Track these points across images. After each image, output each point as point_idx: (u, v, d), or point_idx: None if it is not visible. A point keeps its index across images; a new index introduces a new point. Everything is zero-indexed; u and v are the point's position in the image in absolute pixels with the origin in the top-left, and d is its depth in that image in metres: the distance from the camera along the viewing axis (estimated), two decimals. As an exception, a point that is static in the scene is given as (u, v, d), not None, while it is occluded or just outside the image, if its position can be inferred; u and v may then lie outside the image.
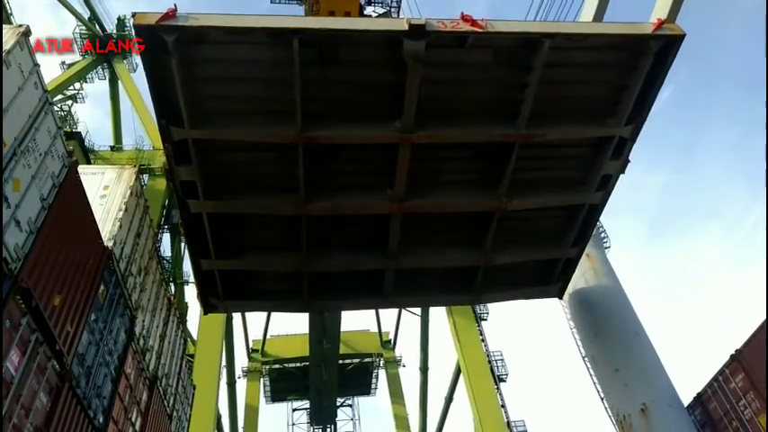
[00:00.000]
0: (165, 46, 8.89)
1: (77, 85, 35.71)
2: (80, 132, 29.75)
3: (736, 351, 15.66)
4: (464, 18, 9.48)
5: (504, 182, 11.88)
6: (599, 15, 15.34)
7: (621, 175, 12.64)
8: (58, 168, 8.13)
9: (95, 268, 9.43)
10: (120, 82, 36.47)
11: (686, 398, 16.90)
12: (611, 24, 10.33)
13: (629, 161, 12.29)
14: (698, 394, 17.52)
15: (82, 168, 9.90)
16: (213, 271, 13.41)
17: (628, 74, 10.75)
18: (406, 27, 9.23)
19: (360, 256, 13.50)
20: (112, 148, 33.74)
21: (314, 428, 44.52)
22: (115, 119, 37.66)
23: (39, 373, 7.27)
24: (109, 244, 10.21)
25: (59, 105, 32.97)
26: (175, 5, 8.85)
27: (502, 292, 15.68)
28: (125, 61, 36.58)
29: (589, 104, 11.36)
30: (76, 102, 35.99)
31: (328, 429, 44.40)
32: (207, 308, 14.59)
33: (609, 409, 15.52)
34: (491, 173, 12.06)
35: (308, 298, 14.28)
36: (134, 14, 8.84)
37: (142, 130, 32.97)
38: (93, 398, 9.11)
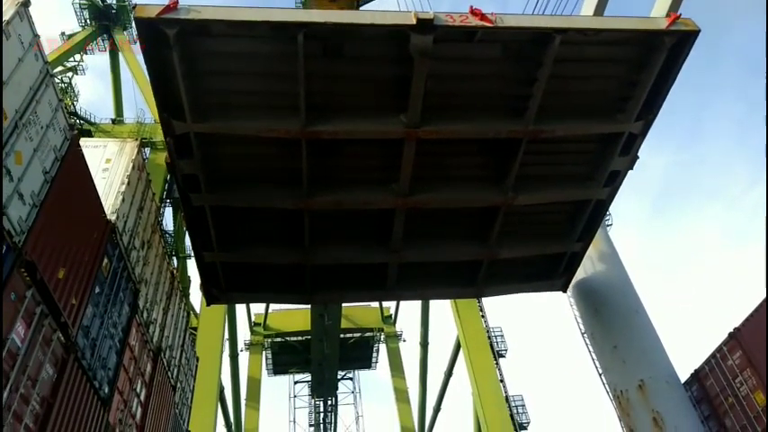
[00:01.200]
0: (166, 39, 8.74)
1: (77, 57, 35.35)
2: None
3: (735, 329, 15.79)
4: (473, 12, 9.26)
5: (511, 177, 11.72)
6: (600, 9, 14.89)
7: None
8: (59, 141, 8.10)
9: (99, 242, 9.47)
10: (120, 54, 36.12)
11: (684, 375, 17.14)
12: (625, 19, 10.01)
13: (638, 157, 12.08)
14: (695, 371, 17.72)
15: (84, 141, 9.87)
16: (215, 263, 13.40)
17: (639, 69, 10.52)
18: (414, 21, 8.99)
19: (362, 250, 13.44)
20: (114, 121, 33.60)
21: (315, 400, 45.19)
22: (116, 91, 37.39)
23: (44, 344, 7.36)
24: (112, 218, 10.24)
25: (59, 77, 32.72)
26: None
27: (505, 286, 15.61)
28: (125, 32, 36.17)
29: (599, 100, 11.15)
30: (77, 74, 35.69)
31: (329, 401, 45.06)
32: (209, 299, 14.59)
33: (607, 385, 15.72)
34: (497, 168, 11.90)
35: (310, 290, 14.28)
36: (134, 6, 8.71)
37: (143, 103, 32.79)
38: (98, 369, 9.24)
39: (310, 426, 45.32)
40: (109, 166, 11.29)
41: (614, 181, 12.57)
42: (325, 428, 45.34)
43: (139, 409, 11.49)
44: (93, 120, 32.30)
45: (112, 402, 9.79)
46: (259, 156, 11.30)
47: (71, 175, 8.38)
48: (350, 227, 12.96)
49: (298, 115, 9.94)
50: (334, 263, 13.82)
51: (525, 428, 29.59)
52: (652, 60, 10.28)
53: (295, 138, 10.38)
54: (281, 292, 15.22)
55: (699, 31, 9.86)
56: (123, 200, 10.89)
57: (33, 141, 7.35)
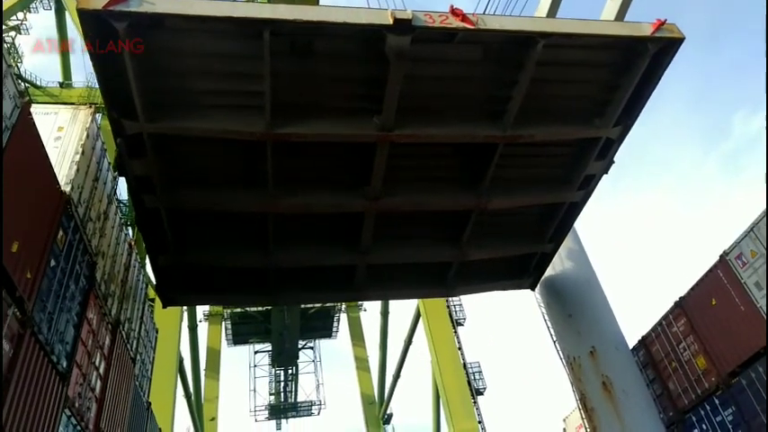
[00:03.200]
0: (114, 34, 7.87)
1: (20, 15, 33.40)
2: None
3: (680, 298, 16.66)
4: (454, 12, 8.79)
5: (485, 180, 11.41)
6: (555, 6, 14.65)
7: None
8: (9, 109, 7.70)
9: (53, 214, 9.16)
10: (67, 12, 34.27)
11: (633, 342, 18.01)
12: (609, 23, 9.91)
13: (613, 162, 12.00)
14: (642, 337, 18.69)
15: (34, 108, 9.42)
16: (171, 265, 12.65)
17: (621, 74, 10.30)
18: (391, 21, 8.44)
19: (329, 252, 12.91)
20: (61, 85, 32.09)
21: (276, 370, 45.46)
22: (63, 53, 35.59)
23: (-1, 320, 7.15)
24: (66, 189, 9.88)
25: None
26: None
27: (474, 285, 15.39)
28: (72, -11, 34.30)
29: (578, 104, 10.90)
30: (20, 33, 33.77)
31: (290, 370, 45.43)
32: (165, 301, 13.94)
33: (560, 352, 16.37)
34: (471, 170, 11.55)
35: (273, 291, 13.78)
36: None
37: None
38: (55, 343, 9.04)
39: (270, 394, 45.69)
40: (61, 135, 10.83)
41: (589, 184, 12.44)
42: (285, 397, 45.81)
43: (99, 383, 11.34)
44: (39, 83, 30.78)
45: (71, 376, 9.62)
46: (219, 156, 10.52)
47: (23, 145, 8.01)
48: (316, 228, 12.42)
49: (262, 116, 9.28)
50: (300, 266, 13.33)
51: (482, 393, 30.69)
52: (634, 65, 10.04)
53: (260, 140, 9.75)
54: (242, 294, 14.67)
55: (683, 39, 9.66)
56: (78, 170, 10.50)
57: (-19, 109, 7.00)
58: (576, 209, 13.18)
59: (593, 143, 11.40)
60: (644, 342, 18.54)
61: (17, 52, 31.63)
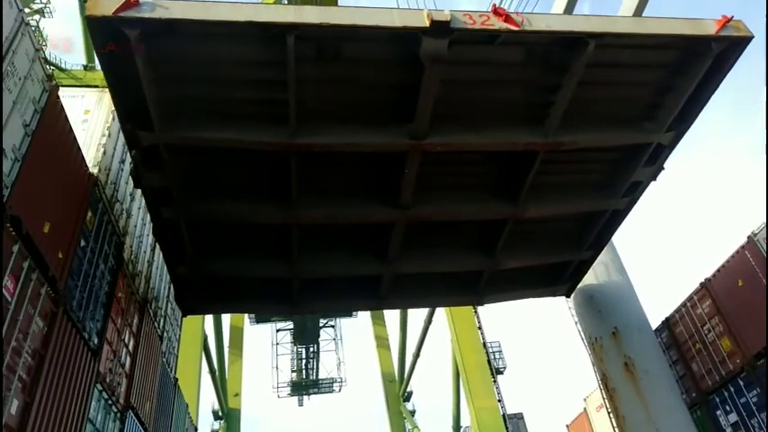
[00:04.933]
0: (127, 41, 7.28)
1: (44, -2, 33.68)
2: None
3: (706, 279, 16.44)
4: (496, 12, 8.04)
5: (523, 188, 10.64)
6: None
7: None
8: (38, 93, 7.85)
9: (82, 195, 9.37)
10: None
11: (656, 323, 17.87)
12: (668, 21, 8.75)
13: (663, 168, 11.12)
14: (666, 319, 18.52)
15: (60, 92, 9.58)
16: (190, 275, 12.32)
17: (677, 75, 9.42)
18: (427, 23, 7.70)
19: (355, 262, 12.32)
20: (85, 67, 32.37)
21: (297, 348, 46.20)
22: (87, 35, 35.87)
23: (34, 298, 7.38)
24: (94, 170, 10.09)
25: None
26: None
27: (507, 293, 14.65)
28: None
29: (626, 107, 10.07)
30: (44, 16, 34.10)
31: (311, 348, 46.13)
32: (185, 310, 13.68)
33: (582, 332, 16.34)
34: (506, 177, 10.79)
35: (296, 301, 13.26)
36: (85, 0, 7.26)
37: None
38: (87, 321, 9.33)
39: (292, 372, 46.55)
40: (88, 118, 11.03)
41: (634, 191, 11.58)
42: (307, 374, 46.60)
43: (128, 359, 11.68)
44: (63, 66, 31.12)
45: (102, 352, 9.92)
46: (240, 166, 9.91)
47: (51, 127, 8.18)
48: (342, 238, 11.79)
49: (286, 125, 8.68)
50: (323, 276, 12.81)
51: (501, 373, 30.89)
52: (694, 67, 9.18)
53: (283, 150, 9.20)
54: (264, 303, 14.26)
55: (752, 38, 8.79)
56: (105, 152, 10.72)
57: (12, 93, 7.12)
58: (619, 216, 12.29)
59: (642, 149, 10.54)
60: (667, 323, 18.38)
61: (41, 35, 31.94)
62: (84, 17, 7.23)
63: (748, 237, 14.51)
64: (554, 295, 14.98)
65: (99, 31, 7.23)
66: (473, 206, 11.16)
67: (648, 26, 8.82)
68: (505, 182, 10.85)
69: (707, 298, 16.32)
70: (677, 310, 17.85)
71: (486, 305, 15.18)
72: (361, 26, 7.76)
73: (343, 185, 10.55)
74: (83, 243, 9.29)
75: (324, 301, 14.22)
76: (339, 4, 30.72)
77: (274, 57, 7.91)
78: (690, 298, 17.16)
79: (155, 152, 9.01)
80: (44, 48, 31.10)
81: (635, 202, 11.88)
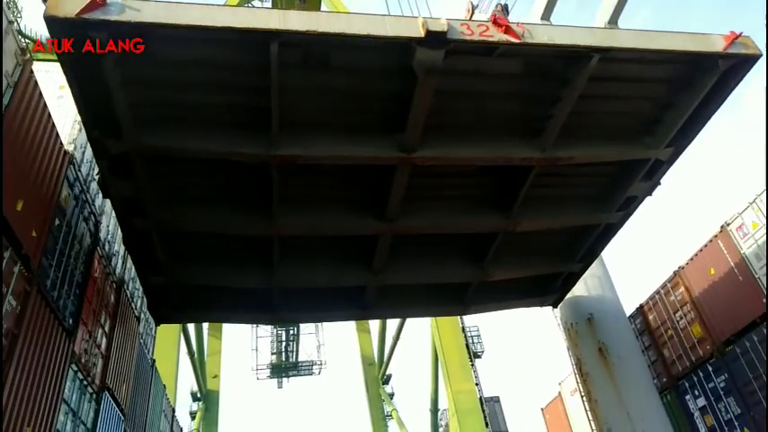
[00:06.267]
0: (93, 44, 6.58)
1: (19, -31, 32.64)
2: None
3: (680, 267, 16.79)
4: (496, 22, 7.60)
5: (516, 201, 10.29)
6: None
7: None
8: (11, 67, 7.63)
9: (56, 173, 9.19)
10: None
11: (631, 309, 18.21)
12: (674, 35, 8.39)
13: (659, 184, 10.88)
14: (640, 305, 18.92)
15: (35, 66, 9.33)
16: (164, 284, 11.73)
17: (680, 91, 9.14)
18: (422, 33, 7.20)
19: (339, 272, 11.84)
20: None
21: (277, 330, 46.16)
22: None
23: (6, 276, 7.26)
24: (69, 148, 9.90)
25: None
26: None
27: (494, 303, 14.40)
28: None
29: (625, 122, 9.75)
30: (19, -12, 33.07)
31: (291, 331, 46.14)
32: (158, 319, 13.16)
33: (558, 318, 16.59)
34: (498, 190, 10.46)
35: (276, 310, 12.75)
36: None
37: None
38: (61, 300, 9.21)
39: (272, 354, 46.55)
40: (63, 93, 10.71)
41: (629, 206, 11.33)
42: (286, 357, 46.66)
43: (104, 340, 11.59)
44: (37, 38, 30.28)
45: (77, 333, 9.84)
46: (218, 174, 9.32)
47: (25, 103, 7.98)
48: (325, 248, 11.37)
49: (268, 133, 8.11)
50: (306, 286, 12.44)
51: (479, 357, 31.30)
52: (698, 83, 8.89)
53: (264, 162, 8.62)
54: (243, 312, 13.57)
55: (760, 56, 8.42)
56: (80, 129, 10.47)
57: (-17, 67, 6.94)
58: (612, 229, 12.08)
59: (640, 164, 10.28)
60: (641, 309, 18.78)
61: (17, 7, 31.01)
62: (45, 17, 6.30)
63: (721, 226, 14.83)
64: (541, 305, 14.85)
65: (60, 33, 6.49)
66: (463, 219, 10.79)
67: (654, 41, 8.40)
68: (497, 195, 10.54)
69: (680, 286, 16.71)
70: (651, 297, 18.25)
71: (472, 314, 15.09)
72: (351, 35, 7.23)
73: (326, 196, 10.10)
74: (57, 222, 9.14)
75: (305, 312, 13.93)
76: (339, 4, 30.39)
77: (256, 62, 7.36)
78: (663, 285, 17.54)
79: (125, 160, 8.39)
80: (19, 20, 30.24)
81: (629, 216, 11.71)
